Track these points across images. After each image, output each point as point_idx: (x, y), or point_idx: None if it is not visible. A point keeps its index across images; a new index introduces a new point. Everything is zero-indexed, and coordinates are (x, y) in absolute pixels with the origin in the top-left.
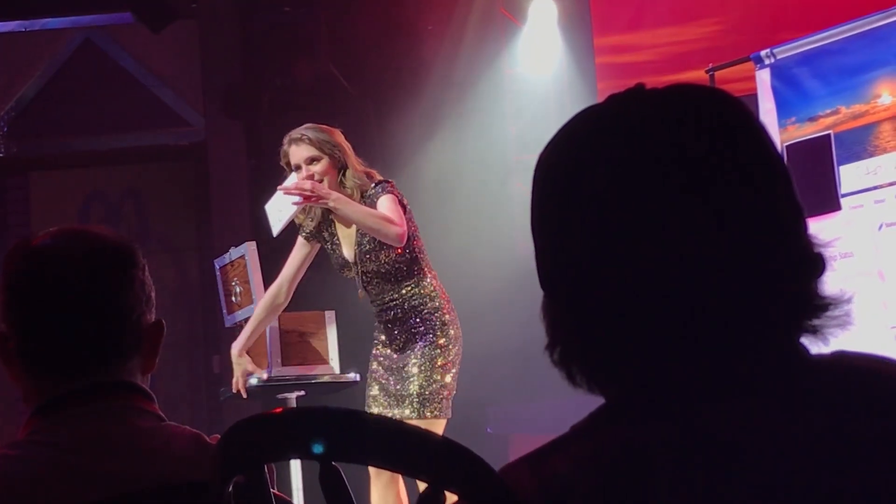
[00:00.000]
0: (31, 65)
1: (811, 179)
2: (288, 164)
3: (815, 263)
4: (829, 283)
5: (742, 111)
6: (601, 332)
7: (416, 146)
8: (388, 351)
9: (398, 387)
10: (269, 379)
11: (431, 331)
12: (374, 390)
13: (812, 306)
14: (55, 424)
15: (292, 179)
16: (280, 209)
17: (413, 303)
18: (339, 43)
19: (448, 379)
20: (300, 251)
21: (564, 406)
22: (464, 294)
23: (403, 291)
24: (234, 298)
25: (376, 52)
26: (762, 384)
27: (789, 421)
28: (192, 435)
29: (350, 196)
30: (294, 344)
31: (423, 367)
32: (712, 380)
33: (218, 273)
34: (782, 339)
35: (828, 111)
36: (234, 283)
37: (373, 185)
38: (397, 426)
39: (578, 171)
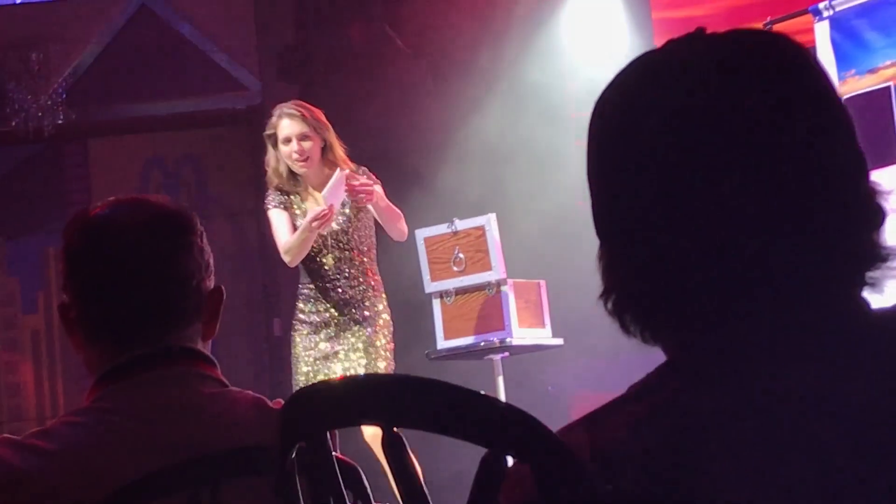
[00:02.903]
0: (88, 32)
1: (871, 131)
2: (271, 136)
3: (875, 213)
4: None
5: (804, 56)
6: (653, 280)
7: (472, 106)
8: (318, 338)
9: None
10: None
11: (373, 322)
12: (304, 370)
13: (872, 257)
14: (118, 391)
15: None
16: (335, 195)
17: (361, 290)
18: (393, 3)
19: (382, 367)
20: (286, 219)
21: (623, 364)
22: (522, 252)
23: (356, 274)
24: (453, 266)
25: (430, 11)
26: (822, 346)
27: (849, 390)
28: (254, 399)
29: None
30: (521, 310)
31: (367, 352)
32: (770, 341)
33: (422, 243)
34: (844, 294)
35: (888, 62)
36: (456, 250)
37: (357, 169)
38: (457, 392)
39: (634, 118)
